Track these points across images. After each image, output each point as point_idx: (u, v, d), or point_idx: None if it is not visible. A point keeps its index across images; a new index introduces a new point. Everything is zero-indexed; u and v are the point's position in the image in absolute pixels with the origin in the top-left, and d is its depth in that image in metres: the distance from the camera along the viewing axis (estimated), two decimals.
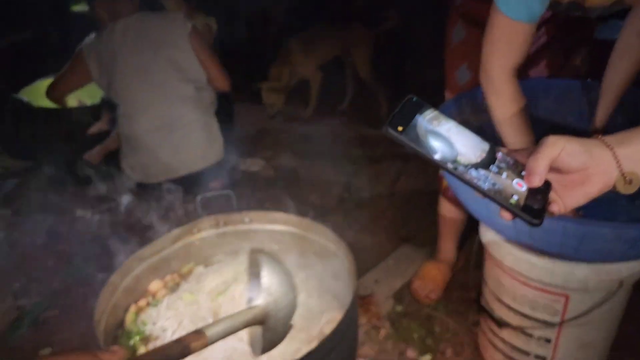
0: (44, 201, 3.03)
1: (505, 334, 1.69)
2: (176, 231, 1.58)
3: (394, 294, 2.16)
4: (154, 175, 2.57)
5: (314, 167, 3.32)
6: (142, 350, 1.35)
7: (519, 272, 1.54)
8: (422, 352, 1.89)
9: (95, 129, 2.93)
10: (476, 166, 0.68)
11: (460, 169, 0.67)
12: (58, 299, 2.28)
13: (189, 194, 2.72)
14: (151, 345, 1.36)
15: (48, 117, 2.94)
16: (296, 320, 1.38)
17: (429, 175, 3.03)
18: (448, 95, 1.97)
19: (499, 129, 1.46)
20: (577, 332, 1.57)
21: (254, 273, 1.13)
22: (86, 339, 2.06)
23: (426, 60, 3.94)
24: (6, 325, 2.11)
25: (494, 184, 0.67)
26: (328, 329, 1.34)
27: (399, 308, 2.09)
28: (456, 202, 2.06)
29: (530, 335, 1.62)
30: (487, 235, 1.62)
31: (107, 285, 1.41)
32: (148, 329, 1.40)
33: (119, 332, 1.43)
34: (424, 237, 2.51)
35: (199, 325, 1.38)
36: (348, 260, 1.43)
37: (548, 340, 1.60)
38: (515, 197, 0.68)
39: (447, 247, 2.21)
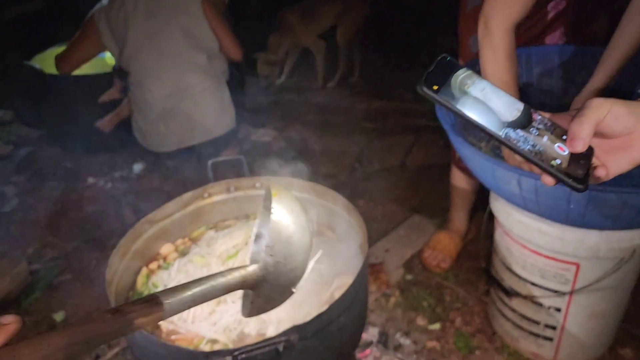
0: (57, 168, 3.06)
1: (515, 303, 1.68)
2: (187, 195, 1.58)
3: (404, 263, 2.16)
4: (166, 144, 2.58)
5: (325, 139, 3.30)
6: None
7: (528, 240, 1.53)
8: (432, 321, 1.90)
9: (106, 97, 2.93)
10: (514, 126, 0.66)
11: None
12: (71, 264, 2.31)
13: (200, 163, 2.73)
14: None
15: (61, 85, 2.94)
16: (306, 285, 1.39)
17: (441, 148, 3.02)
18: (461, 62, 1.93)
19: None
20: (588, 302, 1.57)
21: (267, 207, 0.89)
22: (99, 302, 2.10)
23: (440, 27, 3.89)
24: (20, 289, 2.15)
25: (534, 146, 0.65)
26: (339, 294, 1.35)
27: (409, 277, 2.10)
28: (468, 173, 2.04)
29: (540, 305, 1.61)
30: (497, 203, 1.61)
31: (119, 247, 1.42)
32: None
33: (130, 294, 1.44)
34: (434, 208, 2.50)
35: None
36: (359, 226, 1.43)
37: (558, 310, 1.59)
38: (557, 161, 0.64)
39: (458, 217, 2.20)
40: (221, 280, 0.78)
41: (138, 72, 2.48)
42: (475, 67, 1.67)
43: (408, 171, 2.88)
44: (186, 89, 2.47)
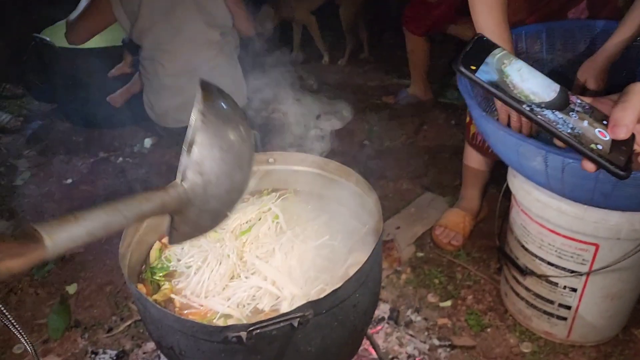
0: (68, 142, 3.06)
1: (529, 282, 1.67)
2: None
3: (415, 241, 2.15)
4: (177, 120, 2.56)
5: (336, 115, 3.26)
6: (166, 286, 1.36)
7: (547, 219, 1.50)
8: (443, 298, 1.89)
9: (116, 71, 2.91)
10: (552, 108, 0.63)
11: (536, 110, 0.63)
12: None
13: None
14: (175, 282, 1.37)
15: (71, 58, 2.91)
16: (319, 261, 1.38)
17: (452, 127, 2.99)
18: None
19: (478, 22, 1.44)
20: (605, 282, 1.55)
21: (202, 111, 0.72)
22: (111, 275, 2.10)
23: None
24: None
25: (573, 129, 0.63)
26: (353, 271, 1.34)
27: (420, 254, 2.09)
28: (482, 151, 2.01)
29: (555, 284, 1.60)
30: (515, 181, 1.58)
31: None
32: (172, 266, 1.41)
33: (143, 268, 1.44)
34: (446, 186, 2.48)
35: (223, 263, 1.38)
36: (374, 203, 1.41)
37: (574, 290, 1.58)
38: (599, 147, 0.62)
39: (471, 195, 2.17)
40: (133, 207, 0.63)
41: (151, 47, 2.46)
42: None
43: (419, 149, 2.85)
44: (199, 66, 2.45)
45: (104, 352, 1.77)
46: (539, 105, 0.63)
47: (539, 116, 0.63)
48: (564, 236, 1.50)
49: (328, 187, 1.59)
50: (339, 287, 1.15)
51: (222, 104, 0.73)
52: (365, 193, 1.47)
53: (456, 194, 2.34)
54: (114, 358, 1.75)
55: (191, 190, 0.68)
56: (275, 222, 1.45)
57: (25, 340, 1.02)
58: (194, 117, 0.70)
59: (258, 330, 1.07)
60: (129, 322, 1.88)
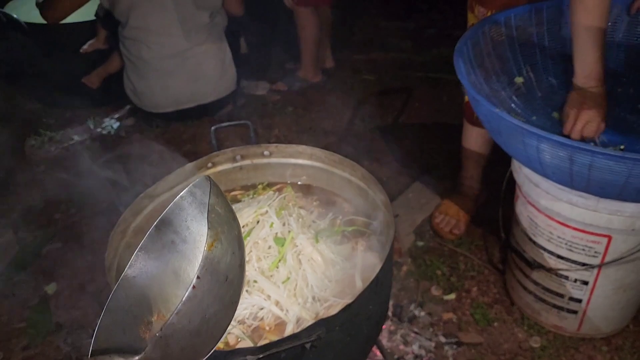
0: (38, 125, 2.87)
1: (537, 275, 1.60)
2: (189, 166, 1.44)
3: (414, 229, 2.06)
4: (162, 105, 2.42)
5: (323, 91, 3.13)
6: None
7: (557, 212, 1.42)
8: (447, 291, 1.81)
9: (89, 47, 2.73)
10: None
11: None
12: (59, 231, 2.17)
13: (195, 123, 2.57)
14: None
15: (39, 34, 2.70)
16: (323, 269, 1.26)
17: (444, 104, 2.87)
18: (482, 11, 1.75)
19: (577, 38, 1.32)
20: (618, 274, 1.48)
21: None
22: (92, 271, 1.97)
23: None
24: (8, 261, 2.01)
25: None
26: (364, 276, 1.24)
27: (420, 243, 2.00)
28: (483, 134, 1.91)
29: (565, 278, 1.53)
30: (521, 172, 1.49)
31: (117, 226, 1.28)
32: None
33: None
34: (443, 168, 2.38)
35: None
36: (381, 201, 1.31)
37: (585, 283, 1.51)
38: None
39: (471, 179, 2.08)
40: None
41: (136, 27, 2.30)
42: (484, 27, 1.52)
43: (411, 128, 2.74)
44: (188, 50, 2.31)
45: None
46: None
47: None
48: (575, 229, 1.42)
49: (329, 181, 1.48)
50: (353, 302, 1.04)
51: (224, 254, 0.61)
52: (372, 189, 1.37)
53: (454, 176, 2.25)
54: None
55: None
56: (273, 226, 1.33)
57: None
58: (190, 278, 0.62)
59: (265, 355, 0.97)
60: None
